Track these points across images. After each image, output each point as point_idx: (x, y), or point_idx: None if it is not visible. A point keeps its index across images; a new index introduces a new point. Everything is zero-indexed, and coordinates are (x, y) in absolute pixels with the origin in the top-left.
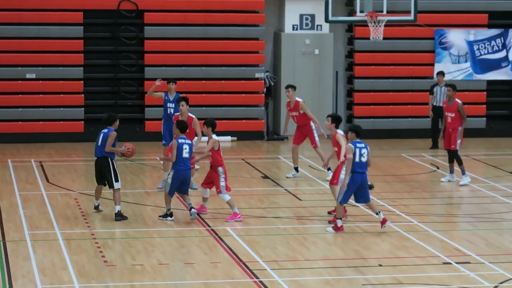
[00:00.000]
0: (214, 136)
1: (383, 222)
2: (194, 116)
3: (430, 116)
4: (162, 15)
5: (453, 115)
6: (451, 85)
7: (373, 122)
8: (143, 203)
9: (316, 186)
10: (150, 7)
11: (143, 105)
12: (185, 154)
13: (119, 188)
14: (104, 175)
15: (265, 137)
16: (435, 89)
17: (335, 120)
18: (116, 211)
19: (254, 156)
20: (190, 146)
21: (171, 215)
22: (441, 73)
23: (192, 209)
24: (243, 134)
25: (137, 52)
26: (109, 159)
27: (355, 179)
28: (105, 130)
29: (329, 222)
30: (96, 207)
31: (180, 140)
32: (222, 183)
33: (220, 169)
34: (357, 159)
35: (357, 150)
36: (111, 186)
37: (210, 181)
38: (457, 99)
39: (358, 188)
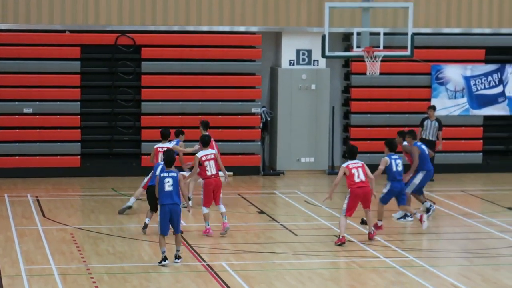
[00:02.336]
0: (198, 154)
1: (421, 219)
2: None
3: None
4: (159, 50)
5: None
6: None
7: (370, 157)
8: (139, 238)
9: (312, 221)
10: (147, 42)
11: (139, 140)
12: (168, 187)
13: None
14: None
15: (261, 172)
16: (425, 122)
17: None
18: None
19: (250, 191)
20: (175, 179)
21: (165, 258)
22: (432, 107)
23: (179, 259)
24: (240, 169)
25: (134, 87)
26: None
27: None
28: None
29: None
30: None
31: (162, 174)
32: (202, 196)
33: (200, 181)
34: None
35: (393, 161)
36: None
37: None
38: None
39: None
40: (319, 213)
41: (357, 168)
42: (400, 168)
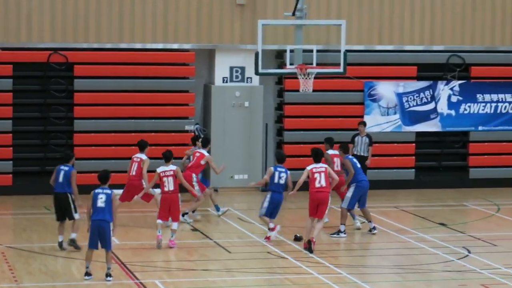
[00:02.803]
0: (158, 169)
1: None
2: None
3: None
4: (92, 68)
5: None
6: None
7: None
8: (72, 256)
9: (246, 239)
10: (80, 59)
11: None
12: (100, 203)
13: (78, 219)
14: (65, 209)
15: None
16: (356, 138)
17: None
18: (71, 238)
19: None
20: (108, 196)
21: (86, 273)
22: (363, 123)
23: (110, 277)
24: None
25: (66, 105)
26: (69, 193)
27: (273, 197)
28: (66, 168)
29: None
30: (60, 244)
31: (96, 190)
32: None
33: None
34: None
35: (277, 173)
36: (71, 218)
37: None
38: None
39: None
40: (253, 230)
41: (319, 173)
42: (282, 181)
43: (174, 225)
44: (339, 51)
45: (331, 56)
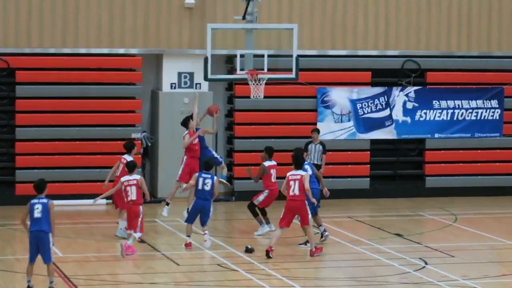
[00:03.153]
0: (122, 179)
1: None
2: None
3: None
4: (35, 74)
5: None
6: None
7: (253, 183)
8: (13, 270)
9: (195, 251)
10: (22, 65)
11: (14, 167)
12: (37, 214)
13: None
14: None
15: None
16: (309, 146)
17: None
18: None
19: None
20: (44, 205)
21: None
22: (316, 130)
23: None
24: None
25: (8, 112)
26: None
27: (197, 204)
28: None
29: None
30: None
31: (33, 200)
32: (139, 223)
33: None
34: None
35: (201, 179)
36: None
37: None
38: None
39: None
40: (202, 241)
41: (294, 181)
42: (207, 188)
43: (136, 235)
44: (291, 56)
45: (283, 61)
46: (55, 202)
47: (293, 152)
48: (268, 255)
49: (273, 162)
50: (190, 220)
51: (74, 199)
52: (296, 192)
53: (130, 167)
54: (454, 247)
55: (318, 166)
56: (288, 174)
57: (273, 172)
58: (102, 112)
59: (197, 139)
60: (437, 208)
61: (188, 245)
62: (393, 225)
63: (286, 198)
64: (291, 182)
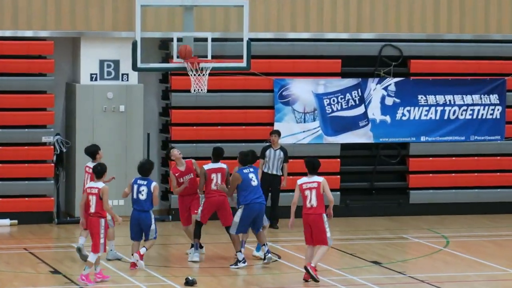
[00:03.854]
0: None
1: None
2: None
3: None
4: None
5: None
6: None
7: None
8: None
9: (122, 283)
10: None
11: None
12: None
13: None
14: None
15: (55, 220)
16: (267, 152)
17: None
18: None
19: (41, 244)
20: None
21: None
22: (276, 133)
23: None
24: (26, 216)
25: None
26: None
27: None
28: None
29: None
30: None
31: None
32: (102, 240)
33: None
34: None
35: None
36: None
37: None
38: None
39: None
40: (129, 272)
41: (310, 190)
42: (142, 197)
43: (90, 257)
44: (241, 40)
45: (231, 46)
46: None
47: (307, 158)
48: (314, 278)
49: (219, 165)
50: (132, 236)
51: None
52: (314, 203)
53: (97, 172)
54: (445, 278)
55: (277, 178)
56: (299, 182)
57: (215, 177)
58: (3, 110)
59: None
60: (424, 229)
61: (132, 265)
62: (369, 251)
63: (302, 211)
64: (307, 192)
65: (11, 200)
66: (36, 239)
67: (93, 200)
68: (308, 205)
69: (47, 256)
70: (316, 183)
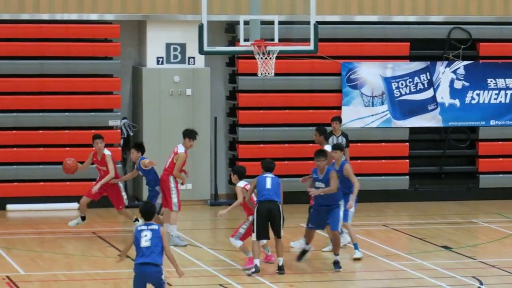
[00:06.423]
0: (239, 184)
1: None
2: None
3: None
4: None
5: None
6: (318, 127)
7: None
8: None
9: (191, 267)
10: None
11: None
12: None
13: None
14: None
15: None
16: (330, 139)
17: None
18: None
19: (109, 228)
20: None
21: None
22: (337, 119)
23: None
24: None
25: None
26: None
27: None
28: None
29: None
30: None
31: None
32: (242, 230)
33: (250, 217)
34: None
35: None
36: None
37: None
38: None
39: None
40: (200, 256)
41: None
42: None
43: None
44: (308, 23)
45: (298, 29)
46: (12, 206)
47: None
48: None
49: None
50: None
51: (37, 203)
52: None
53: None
54: None
55: None
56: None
57: None
58: (70, 93)
59: None
60: (493, 214)
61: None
62: (439, 235)
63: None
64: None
65: (79, 184)
66: (104, 222)
67: None
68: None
69: (115, 240)
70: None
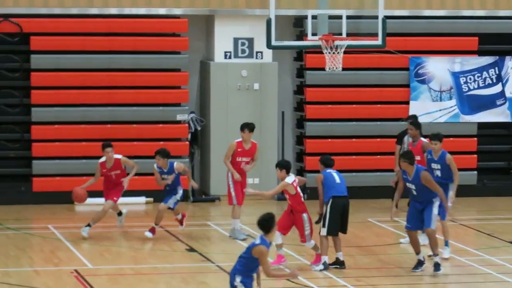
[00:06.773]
0: (287, 179)
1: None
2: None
3: (396, 172)
4: (54, 40)
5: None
6: (413, 121)
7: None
8: (29, 285)
9: None
10: (38, 29)
11: (30, 156)
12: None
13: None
14: None
15: (190, 198)
16: (405, 138)
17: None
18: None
19: (176, 222)
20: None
21: None
22: (414, 118)
23: None
24: (161, 194)
25: (21, 88)
26: None
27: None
28: None
29: None
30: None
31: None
32: (307, 232)
33: (304, 216)
34: None
35: None
36: None
37: (288, 226)
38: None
39: None
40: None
41: None
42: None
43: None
44: (376, 17)
45: (367, 24)
46: None
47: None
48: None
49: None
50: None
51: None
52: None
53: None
54: None
55: None
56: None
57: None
58: (138, 88)
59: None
60: None
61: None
62: (507, 231)
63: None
64: None
65: (146, 178)
66: (171, 217)
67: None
68: None
69: (183, 234)
70: None
